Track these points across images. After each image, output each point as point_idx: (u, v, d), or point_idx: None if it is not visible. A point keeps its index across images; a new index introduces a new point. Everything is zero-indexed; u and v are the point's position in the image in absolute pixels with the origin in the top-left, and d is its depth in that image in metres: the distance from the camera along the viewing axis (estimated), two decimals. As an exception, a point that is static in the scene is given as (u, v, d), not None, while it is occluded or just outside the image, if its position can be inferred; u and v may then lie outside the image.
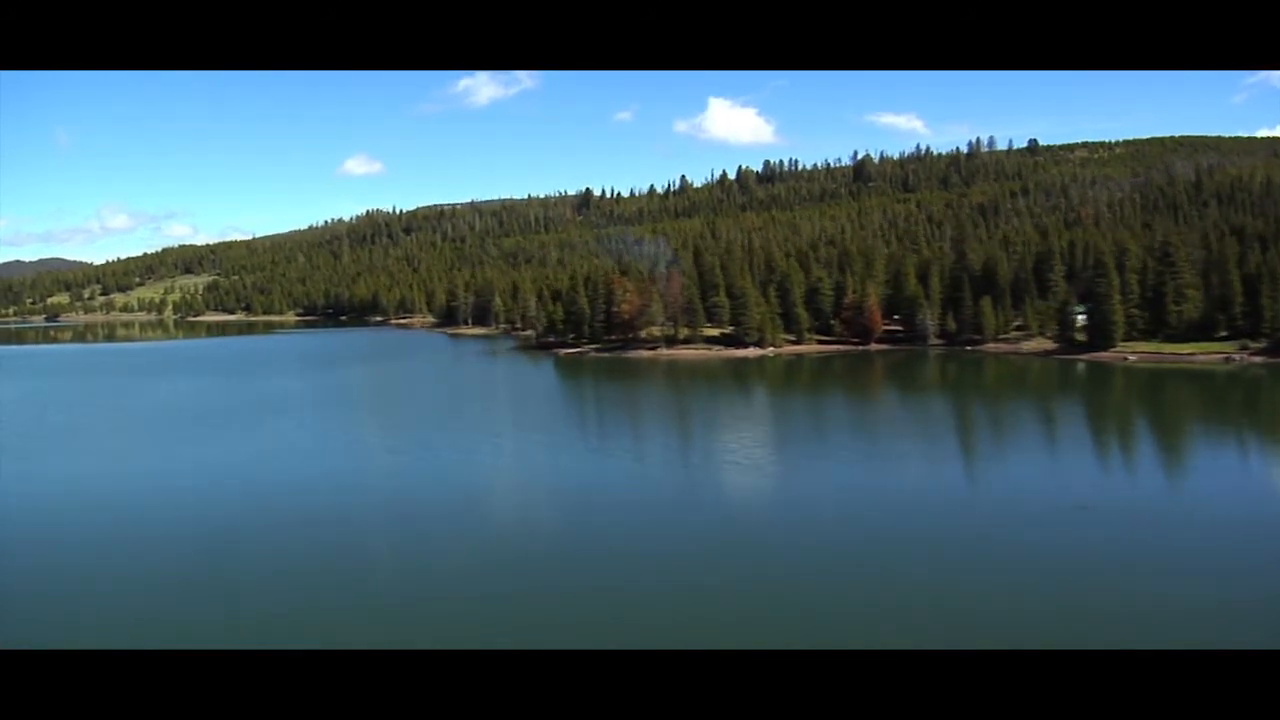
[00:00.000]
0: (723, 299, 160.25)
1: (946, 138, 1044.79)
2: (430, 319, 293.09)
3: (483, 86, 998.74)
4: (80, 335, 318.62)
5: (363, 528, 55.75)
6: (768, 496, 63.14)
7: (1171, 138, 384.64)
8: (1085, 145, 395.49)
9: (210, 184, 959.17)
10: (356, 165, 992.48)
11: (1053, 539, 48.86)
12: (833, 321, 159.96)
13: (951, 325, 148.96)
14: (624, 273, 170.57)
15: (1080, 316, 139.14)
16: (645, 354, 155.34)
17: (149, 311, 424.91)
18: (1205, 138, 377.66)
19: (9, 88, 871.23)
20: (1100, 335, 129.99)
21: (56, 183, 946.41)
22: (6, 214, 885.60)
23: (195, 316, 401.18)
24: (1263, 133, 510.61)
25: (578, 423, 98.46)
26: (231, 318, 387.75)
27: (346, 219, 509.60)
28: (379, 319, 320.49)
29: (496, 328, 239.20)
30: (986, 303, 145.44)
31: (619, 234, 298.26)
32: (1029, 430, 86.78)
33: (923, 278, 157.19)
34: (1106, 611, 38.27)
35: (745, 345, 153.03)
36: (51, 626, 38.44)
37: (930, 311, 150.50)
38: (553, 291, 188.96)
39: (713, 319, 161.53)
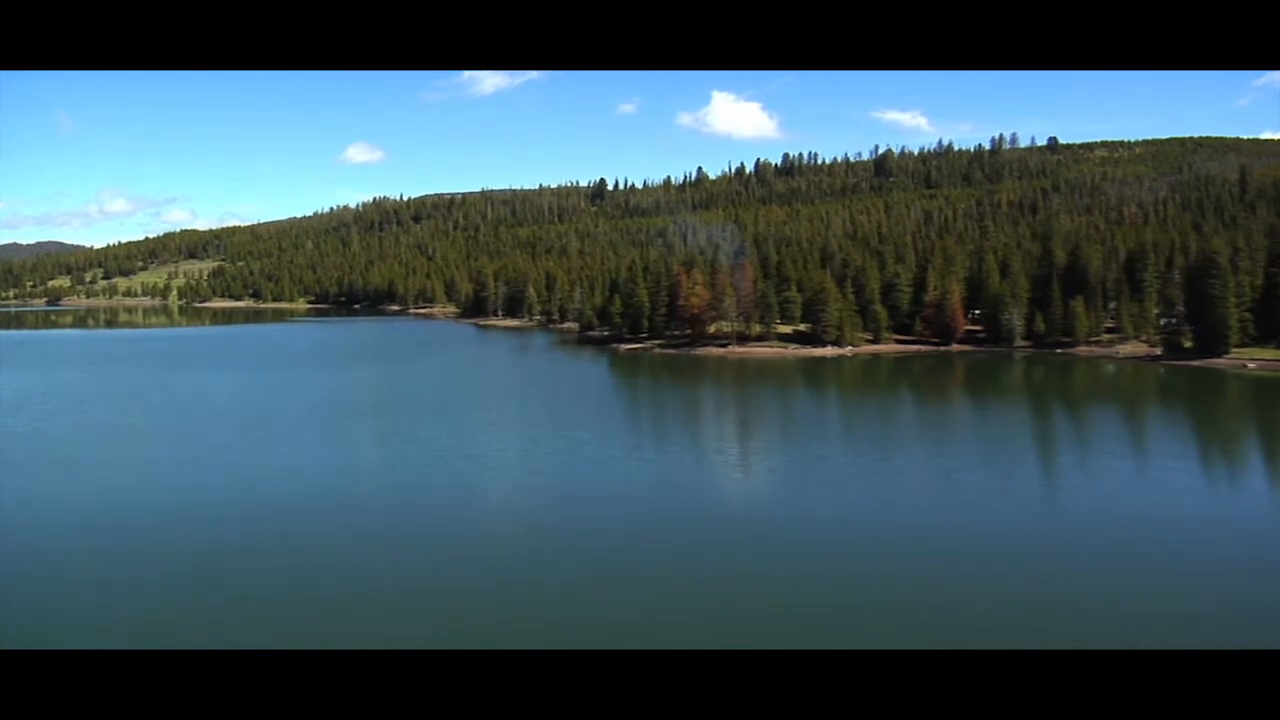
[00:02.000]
0: (794, 293, 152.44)
1: (951, 135, 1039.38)
2: (452, 309, 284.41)
3: (488, 75, 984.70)
4: (81, 320, 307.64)
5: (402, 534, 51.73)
6: (813, 504, 58.12)
7: (1192, 138, 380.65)
8: (1104, 144, 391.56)
9: (210, 170, 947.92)
10: (357, 153, 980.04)
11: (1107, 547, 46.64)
12: (907, 320, 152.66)
13: (1040, 325, 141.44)
14: (687, 264, 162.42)
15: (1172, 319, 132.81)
16: (715, 351, 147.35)
17: (153, 297, 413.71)
18: (1224, 139, 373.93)
19: (10, 72, 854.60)
20: (1212, 339, 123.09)
21: (57, 166, 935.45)
22: (4, 197, 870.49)
23: (201, 303, 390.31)
24: (1267, 135, 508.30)
25: (697, 433, 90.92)
26: (239, 304, 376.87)
27: (352, 206, 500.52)
28: (396, 308, 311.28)
29: (530, 319, 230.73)
30: (1079, 303, 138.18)
31: (676, 224, 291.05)
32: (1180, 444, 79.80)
33: (1002, 275, 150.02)
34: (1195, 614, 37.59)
35: (822, 344, 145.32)
36: (51, 626, 37.46)
37: (1016, 311, 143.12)
38: (609, 283, 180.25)
39: (782, 315, 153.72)
